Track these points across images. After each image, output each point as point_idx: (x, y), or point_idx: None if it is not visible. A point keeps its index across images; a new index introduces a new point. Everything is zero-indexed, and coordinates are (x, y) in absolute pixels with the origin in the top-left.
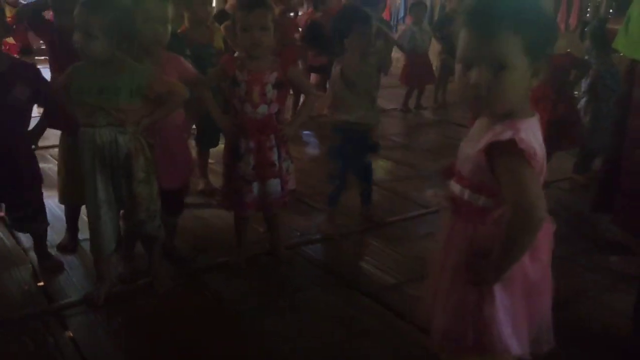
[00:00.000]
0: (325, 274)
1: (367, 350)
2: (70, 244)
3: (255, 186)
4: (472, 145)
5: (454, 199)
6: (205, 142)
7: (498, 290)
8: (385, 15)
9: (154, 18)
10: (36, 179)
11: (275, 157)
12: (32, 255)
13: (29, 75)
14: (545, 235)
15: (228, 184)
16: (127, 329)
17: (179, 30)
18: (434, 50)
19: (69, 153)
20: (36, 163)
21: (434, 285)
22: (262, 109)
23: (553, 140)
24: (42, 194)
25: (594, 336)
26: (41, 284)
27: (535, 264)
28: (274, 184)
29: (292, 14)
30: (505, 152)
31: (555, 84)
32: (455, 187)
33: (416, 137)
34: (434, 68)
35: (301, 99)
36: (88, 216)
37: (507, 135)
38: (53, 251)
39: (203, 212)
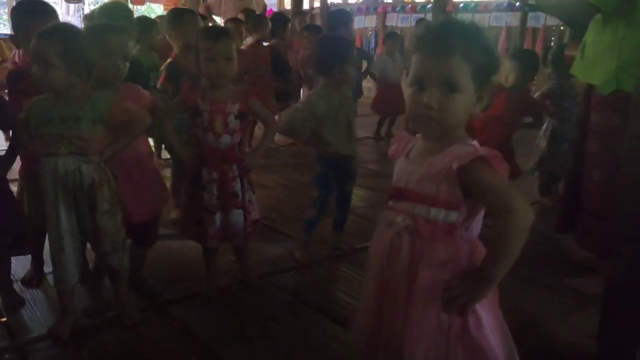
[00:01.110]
0: (297, 302)
1: None
2: (34, 278)
3: (217, 217)
4: (427, 165)
5: (413, 218)
6: (179, 171)
7: (481, 309)
8: (356, 45)
9: (113, 52)
10: (11, 206)
11: (237, 187)
12: None
13: None
14: None
15: (189, 214)
16: None
17: (169, 60)
18: (405, 81)
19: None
20: (6, 189)
21: (396, 312)
22: (225, 139)
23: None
24: (22, 220)
25: (561, 358)
26: (4, 319)
27: None
28: (237, 214)
29: (265, 43)
30: (485, 167)
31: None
32: (412, 207)
33: (388, 164)
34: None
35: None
36: (50, 247)
37: (481, 152)
38: (17, 285)
39: (174, 243)
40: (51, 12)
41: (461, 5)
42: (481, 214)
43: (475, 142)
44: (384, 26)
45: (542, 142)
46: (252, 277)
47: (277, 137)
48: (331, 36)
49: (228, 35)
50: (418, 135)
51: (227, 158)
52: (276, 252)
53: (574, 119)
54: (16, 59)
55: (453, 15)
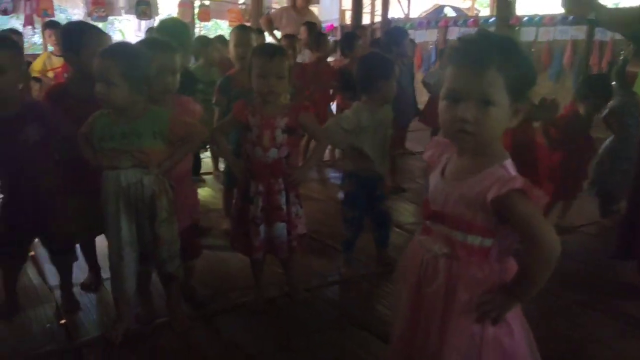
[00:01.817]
0: (341, 317)
1: None
2: (93, 283)
3: (262, 229)
4: (464, 188)
5: (449, 243)
6: (230, 182)
7: (511, 319)
8: (417, 59)
9: (163, 69)
10: (56, 215)
11: (282, 200)
12: (57, 293)
13: (40, 116)
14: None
15: (237, 226)
16: None
17: (227, 73)
18: None
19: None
20: (59, 199)
21: (430, 328)
22: (272, 152)
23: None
24: (67, 228)
25: None
26: (63, 321)
27: None
28: (280, 227)
29: (328, 60)
30: (520, 200)
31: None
32: (449, 231)
33: None
34: None
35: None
36: (110, 257)
37: (517, 184)
38: (76, 289)
39: (225, 254)
40: (100, 33)
41: (525, 18)
42: (517, 237)
43: (509, 163)
44: (445, 40)
45: (603, 161)
46: (298, 290)
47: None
48: (372, 54)
49: (283, 54)
50: (453, 150)
51: (273, 171)
52: (324, 266)
53: (636, 138)
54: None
55: (516, 29)
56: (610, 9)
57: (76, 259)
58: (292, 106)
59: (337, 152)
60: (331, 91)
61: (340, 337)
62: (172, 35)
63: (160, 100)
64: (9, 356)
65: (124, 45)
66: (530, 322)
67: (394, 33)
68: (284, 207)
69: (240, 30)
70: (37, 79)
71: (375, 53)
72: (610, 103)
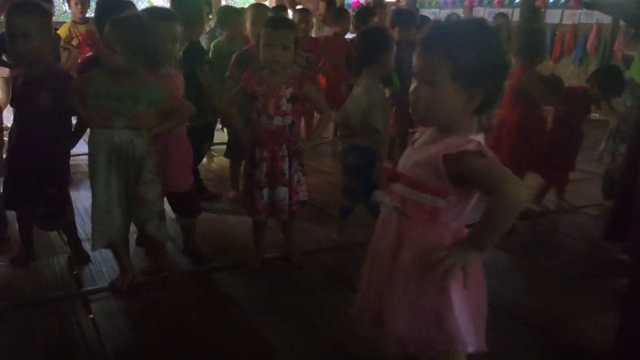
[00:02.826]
0: (331, 278)
1: (361, 350)
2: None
3: (265, 192)
4: (422, 153)
5: (403, 201)
6: (236, 153)
7: (454, 289)
8: None
9: (166, 36)
10: (60, 178)
11: (286, 166)
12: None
13: (56, 82)
14: None
15: (245, 190)
16: (143, 315)
17: (245, 48)
18: None
19: None
20: (64, 164)
21: (380, 285)
22: (277, 120)
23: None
24: (66, 191)
25: (583, 352)
26: (75, 272)
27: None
28: (282, 191)
29: (349, 36)
30: (473, 158)
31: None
32: (404, 189)
33: None
34: None
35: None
36: (97, 209)
37: (470, 146)
38: (89, 244)
39: (229, 218)
40: (127, 4)
41: (551, 1)
42: (471, 204)
43: (476, 137)
44: None
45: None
46: (295, 254)
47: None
48: (370, 28)
49: (289, 26)
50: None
51: (277, 138)
52: (323, 233)
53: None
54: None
55: (542, 10)
56: None
57: (63, 226)
58: (298, 76)
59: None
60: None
61: (328, 296)
62: (186, 9)
63: (160, 66)
64: (21, 298)
65: (129, 17)
66: (522, 292)
67: (401, 16)
68: (287, 172)
69: (257, 8)
70: (64, 48)
71: (374, 27)
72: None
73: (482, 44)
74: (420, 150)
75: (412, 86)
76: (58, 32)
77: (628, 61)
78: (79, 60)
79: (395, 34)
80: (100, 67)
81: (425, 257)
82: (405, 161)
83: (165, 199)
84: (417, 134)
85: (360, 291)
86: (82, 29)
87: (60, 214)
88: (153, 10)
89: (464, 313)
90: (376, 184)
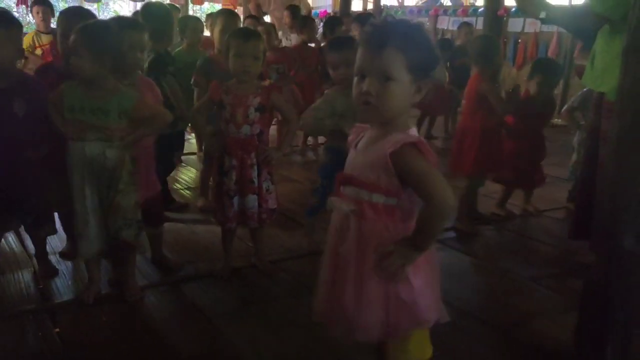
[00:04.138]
0: (300, 286)
1: (330, 357)
2: (71, 252)
3: (235, 200)
4: (369, 154)
5: (357, 203)
6: (207, 161)
7: (411, 274)
8: None
9: (133, 45)
10: (37, 188)
11: (254, 174)
12: (35, 261)
13: (29, 90)
14: None
15: (215, 198)
16: (110, 327)
17: (208, 55)
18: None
19: None
20: (38, 173)
21: (345, 286)
22: (245, 129)
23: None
24: (45, 202)
25: (547, 353)
26: (40, 286)
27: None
28: (252, 199)
29: (313, 45)
30: (412, 155)
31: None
32: (357, 192)
33: None
34: None
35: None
36: (75, 222)
37: (411, 139)
38: (55, 257)
39: (198, 228)
40: (90, 16)
41: (513, 9)
42: (421, 202)
43: (413, 130)
44: (435, 28)
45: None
46: (264, 262)
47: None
48: (336, 38)
49: (258, 37)
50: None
51: (245, 147)
52: (292, 241)
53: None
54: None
55: (504, 19)
56: (559, 7)
57: (55, 231)
58: (265, 86)
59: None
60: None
61: (296, 303)
62: (155, 20)
63: (128, 75)
64: None
65: (93, 23)
66: (485, 295)
67: (362, 17)
68: (255, 180)
69: (228, 16)
70: (24, 57)
71: (341, 36)
72: (573, 99)
73: (423, 39)
74: (366, 151)
75: (361, 85)
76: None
77: (580, 70)
78: None
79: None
80: (55, 73)
81: (374, 254)
82: (353, 163)
83: None
84: (352, 136)
85: (320, 294)
86: (46, 39)
87: (46, 219)
88: (120, 19)
89: (424, 292)
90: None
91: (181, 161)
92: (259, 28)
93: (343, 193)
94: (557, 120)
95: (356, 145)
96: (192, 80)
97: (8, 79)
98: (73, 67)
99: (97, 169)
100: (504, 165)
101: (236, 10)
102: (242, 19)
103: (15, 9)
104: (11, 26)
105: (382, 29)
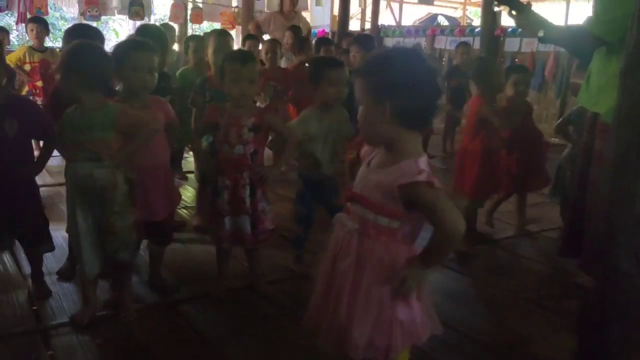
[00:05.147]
0: (298, 307)
1: None
2: (68, 272)
3: (227, 221)
4: (378, 176)
5: (362, 222)
6: (203, 180)
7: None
8: None
9: (142, 67)
10: (33, 203)
11: (246, 194)
12: (30, 281)
13: (21, 111)
14: None
15: (209, 218)
16: (104, 350)
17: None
18: (441, 101)
19: None
20: (32, 192)
21: (340, 301)
22: (238, 149)
23: (520, 181)
24: (40, 221)
25: None
26: (34, 307)
27: None
28: (243, 220)
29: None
30: (424, 189)
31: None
32: (363, 210)
33: None
34: (440, 119)
35: None
36: (70, 243)
37: (422, 177)
38: (51, 278)
39: (194, 247)
40: (94, 34)
41: (510, 29)
42: (424, 226)
43: (422, 160)
44: (433, 48)
45: (563, 167)
46: (260, 282)
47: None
48: (315, 57)
49: (253, 59)
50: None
51: (238, 167)
52: (289, 261)
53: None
54: None
55: (500, 39)
56: (557, 27)
57: (53, 248)
58: (260, 107)
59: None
60: None
61: (293, 324)
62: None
63: (138, 96)
64: None
65: (79, 44)
66: (482, 315)
67: (361, 38)
68: (247, 200)
69: (220, 36)
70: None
71: (317, 57)
72: (569, 112)
73: (390, 64)
74: (377, 173)
75: None
76: (10, 55)
77: (575, 89)
78: (26, 88)
79: (352, 57)
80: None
81: (387, 277)
82: (363, 182)
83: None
84: (366, 149)
85: (314, 303)
86: (38, 56)
87: (45, 237)
88: (129, 41)
89: (420, 312)
90: (334, 211)
91: (185, 178)
92: (264, 46)
93: (350, 209)
94: (553, 140)
95: (369, 162)
96: (190, 99)
97: None
98: (59, 86)
99: (87, 190)
100: (505, 184)
101: (234, 30)
102: (241, 39)
103: (15, 27)
104: None
105: (362, 62)
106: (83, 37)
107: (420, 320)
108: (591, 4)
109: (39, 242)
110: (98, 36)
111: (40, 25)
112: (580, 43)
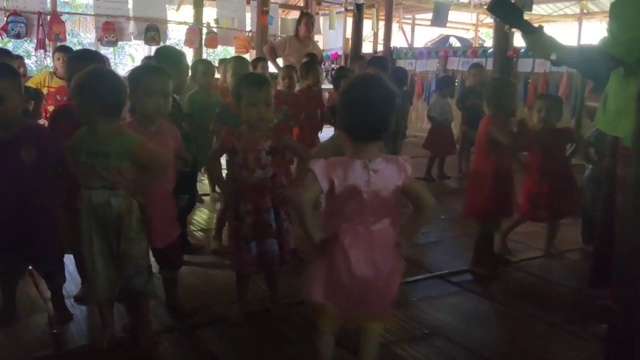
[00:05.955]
0: (316, 329)
1: None
2: (85, 296)
3: (253, 245)
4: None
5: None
6: (224, 204)
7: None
8: (418, 88)
9: (156, 92)
10: (53, 236)
11: (271, 218)
12: (51, 305)
13: (37, 139)
14: None
15: (231, 243)
16: None
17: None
18: (457, 122)
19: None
20: (51, 220)
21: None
22: (258, 173)
23: (554, 209)
24: (58, 251)
25: None
26: (55, 331)
27: None
28: (271, 243)
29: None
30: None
31: (548, 155)
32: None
33: (439, 205)
34: (455, 139)
35: None
36: (86, 267)
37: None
38: (69, 301)
39: (212, 271)
40: (99, 59)
41: (522, 50)
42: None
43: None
44: (445, 69)
45: (586, 189)
46: (279, 305)
47: None
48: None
49: (269, 83)
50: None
51: (260, 191)
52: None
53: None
54: None
55: (513, 60)
56: (570, 48)
57: (64, 280)
58: (274, 129)
59: None
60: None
61: (311, 348)
62: (167, 62)
63: (152, 121)
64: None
65: (96, 71)
66: (505, 340)
67: (376, 59)
68: (273, 224)
69: (239, 61)
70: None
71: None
72: (588, 135)
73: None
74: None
75: None
76: (33, 78)
77: (591, 112)
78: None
79: None
80: (71, 117)
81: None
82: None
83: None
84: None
85: (336, 310)
86: (56, 82)
87: (59, 269)
88: (145, 66)
89: None
90: None
91: (201, 201)
92: (281, 72)
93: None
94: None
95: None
96: (211, 127)
97: (14, 129)
98: (73, 111)
99: (103, 218)
100: (517, 208)
101: (248, 54)
102: (251, 61)
103: (34, 53)
104: (16, 76)
105: None
106: (89, 63)
107: None
108: (604, 24)
109: (55, 276)
110: (103, 61)
111: (67, 54)
112: (594, 64)
